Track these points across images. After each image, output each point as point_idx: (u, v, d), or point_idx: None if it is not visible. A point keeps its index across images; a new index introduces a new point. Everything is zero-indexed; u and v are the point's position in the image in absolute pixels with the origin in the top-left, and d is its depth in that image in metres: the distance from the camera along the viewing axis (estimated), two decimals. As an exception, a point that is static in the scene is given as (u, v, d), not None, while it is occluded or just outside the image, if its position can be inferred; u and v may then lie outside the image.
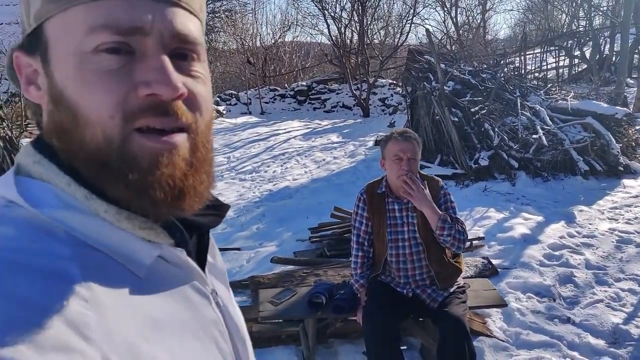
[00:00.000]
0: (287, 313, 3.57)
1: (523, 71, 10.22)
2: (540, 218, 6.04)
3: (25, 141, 10.21)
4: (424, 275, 3.07)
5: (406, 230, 3.04)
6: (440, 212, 2.89)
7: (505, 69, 9.41)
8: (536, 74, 10.71)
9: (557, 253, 5.05)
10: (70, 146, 0.56)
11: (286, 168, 10.03)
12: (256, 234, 6.46)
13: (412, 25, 17.51)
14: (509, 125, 8.01)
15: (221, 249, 6.01)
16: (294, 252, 5.64)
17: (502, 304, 3.63)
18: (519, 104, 8.12)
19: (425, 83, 8.96)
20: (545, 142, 7.41)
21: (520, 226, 5.73)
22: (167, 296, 0.59)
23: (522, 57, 10.61)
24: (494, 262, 4.92)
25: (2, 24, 11.92)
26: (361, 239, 3.22)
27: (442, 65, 9.09)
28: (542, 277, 4.57)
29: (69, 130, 0.56)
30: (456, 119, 8.07)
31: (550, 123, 7.84)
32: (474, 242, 5.33)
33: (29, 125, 11.28)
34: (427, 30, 8.30)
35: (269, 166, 10.26)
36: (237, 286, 4.94)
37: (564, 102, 8.48)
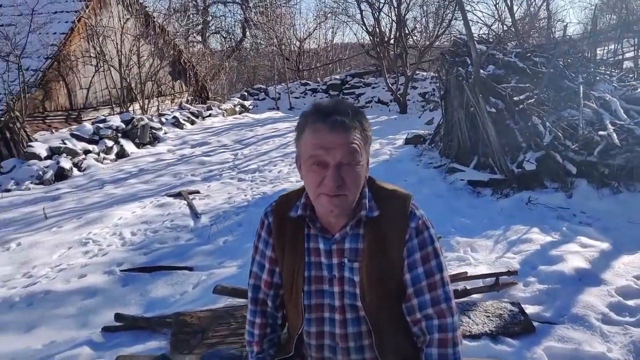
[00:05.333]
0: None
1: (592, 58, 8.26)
2: (606, 245, 4.30)
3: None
4: None
5: (337, 292, 1.56)
6: None
7: (565, 50, 7.54)
8: (609, 61, 8.64)
9: (631, 303, 3.32)
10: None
11: (294, 167, 8.56)
12: (221, 249, 5.07)
13: (456, 12, 15.26)
14: (566, 119, 6.21)
15: (167, 268, 4.67)
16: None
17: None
18: (581, 93, 6.30)
19: (459, 68, 7.27)
20: (617, 141, 5.57)
21: (575, 256, 4.02)
22: None
23: (592, 46, 8.62)
24: (530, 310, 3.31)
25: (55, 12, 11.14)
26: (262, 295, 1.73)
27: (482, 47, 7.40)
28: (605, 343, 2.93)
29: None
30: (494, 110, 6.34)
31: (625, 117, 5.98)
32: (500, 277, 3.66)
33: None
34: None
35: (275, 165, 8.87)
36: (159, 324, 3.56)
37: (646, 91, 6.56)
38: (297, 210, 1.56)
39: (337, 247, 1.53)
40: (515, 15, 12.84)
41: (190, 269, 4.58)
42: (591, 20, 10.64)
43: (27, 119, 9.76)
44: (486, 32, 11.86)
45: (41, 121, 10.61)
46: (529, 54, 7.43)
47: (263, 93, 17.81)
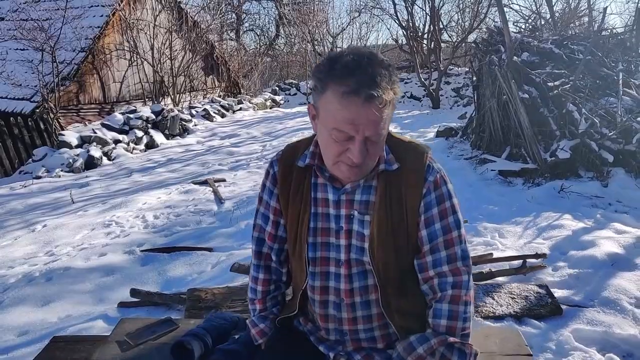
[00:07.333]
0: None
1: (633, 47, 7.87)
2: (641, 232, 4.06)
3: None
4: (375, 332, 1.49)
5: (344, 246, 1.43)
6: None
7: (605, 39, 7.22)
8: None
9: (667, 288, 3.11)
10: None
11: (321, 158, 8.48)
12: (241, 231, 4.99)
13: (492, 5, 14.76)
14: (603, 107, 5.94)
15: (186, 248, 4.63)
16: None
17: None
18: (620, 80, 6.02)
19: (493, 56, 7.06)
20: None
21: (609, 242, 3.81)
22: None
23: (635, 35, 8.20)
24: (558, 294, 3.13)
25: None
26: (265, 249, 1.63)
27: (517, 34, 7.16)
28: (638, 326, 2.76)
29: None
30: (527, 96, 6.11)
31: (666, 105, 5.70)
32: (528, 260, 3.49)
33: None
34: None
35: (302, 155, 8.77)
36: (174, 300, 3.52)
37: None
38: (305, 159, 1.44)
39: (346, 198, 1.41)
40: (554, 7, 12.40)
41: (209, 249, 4.53)
42: (635, 12, 10.19)
43: (61, 111, 9.95)
44: (522, 23, 11.50)
45: (75, 114, 10.80)
46: (565, 42, 7.14)
47: (294, 88, 17.80)
